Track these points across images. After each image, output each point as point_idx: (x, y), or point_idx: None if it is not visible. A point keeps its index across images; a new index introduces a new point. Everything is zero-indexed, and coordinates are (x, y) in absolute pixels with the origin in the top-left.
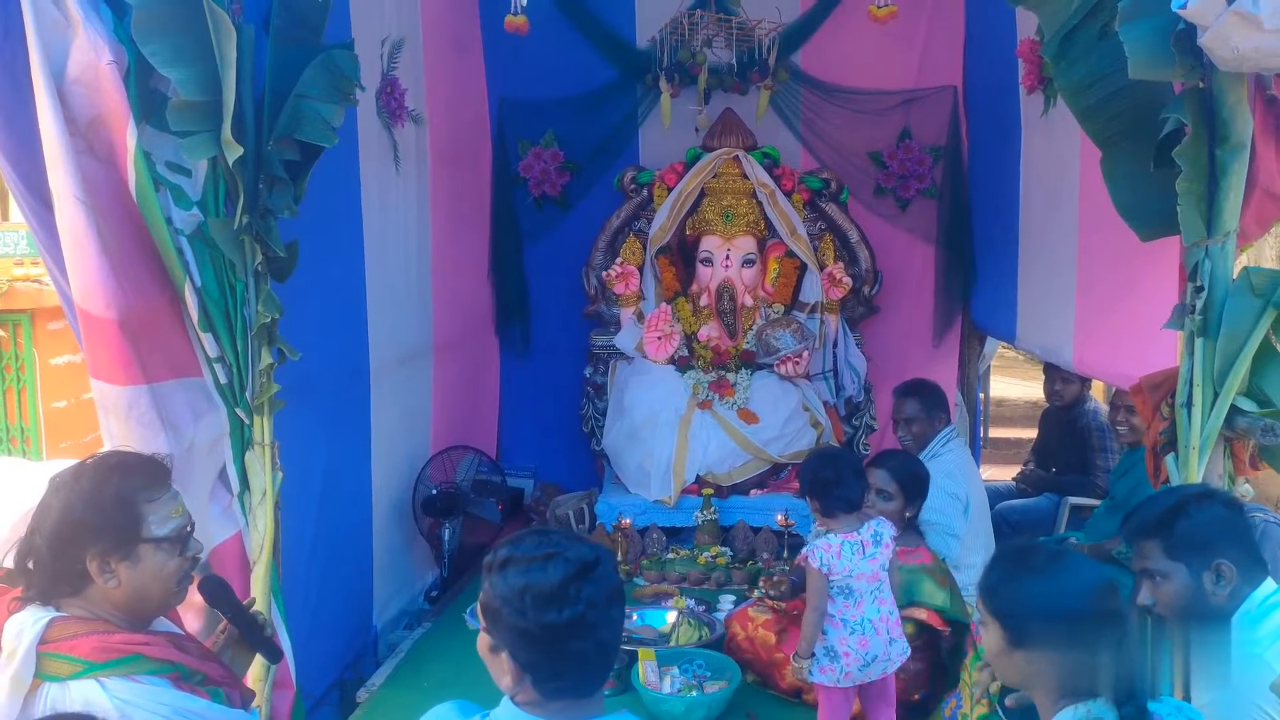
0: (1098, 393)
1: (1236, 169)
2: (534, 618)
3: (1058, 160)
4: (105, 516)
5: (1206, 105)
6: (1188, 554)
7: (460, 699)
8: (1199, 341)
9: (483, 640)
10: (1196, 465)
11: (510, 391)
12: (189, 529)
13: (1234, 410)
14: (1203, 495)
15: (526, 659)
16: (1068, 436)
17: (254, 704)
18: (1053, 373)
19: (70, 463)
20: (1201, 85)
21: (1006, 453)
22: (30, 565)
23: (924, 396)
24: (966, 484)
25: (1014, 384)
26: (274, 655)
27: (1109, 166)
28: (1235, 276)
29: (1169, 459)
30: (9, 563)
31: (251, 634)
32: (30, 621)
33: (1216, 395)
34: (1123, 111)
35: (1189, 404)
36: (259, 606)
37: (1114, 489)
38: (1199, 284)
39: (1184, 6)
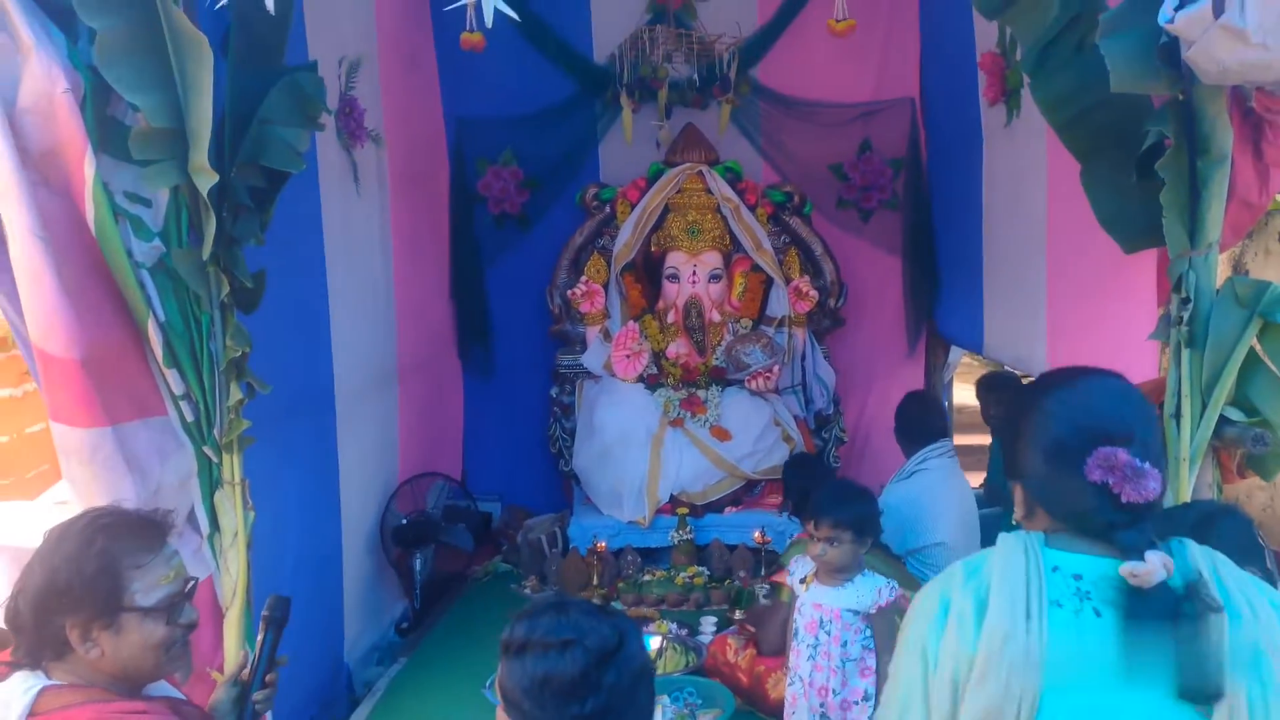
0: None
1: (1218, 180)
2: (554, 712)
3: (1022, 171)
4: (84, 584)
5: (1187, 118)
6: None
7: None
8: (1186, 353)
9: None
10: (1187, 476)
11: (474, 414)
12: (185, 593)
13: (1222, 420)
14: (1226, 510)
15: None
16: None
17: None
18: (986, 396)
19: (63, 516)
20: (1181, 98)
21: (967, 459)
22: (17, 626)
23: (897, 424)
24: (929, 508)
25: (973, 390)
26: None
27: (1089, 179)
28: (1219, 286)
29: None
30: None
31: (256, 685)
32: (20, 691)
33: (1205, 406)
34: (1102, 124)
35: (1178, 415)
36: (232, 652)
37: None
38: (1185, 295)
39: (1170, 21)
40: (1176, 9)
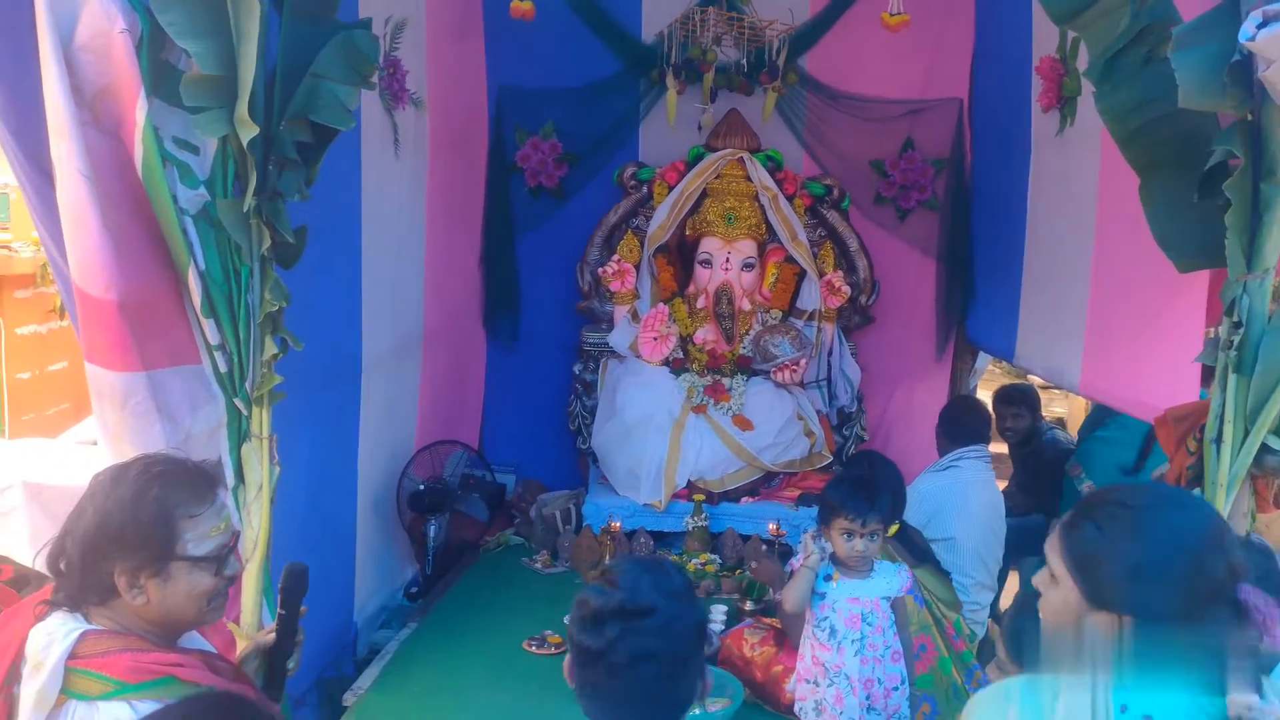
0: (1077, 418)
1: None
2: (576, 633)
3: (1072, 182)
4: (139, 531)
5: (1254, 138)
6: None
7: (450, 705)
8: (1233, 377)
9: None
10: (1224, 502)
11: (495, 385)
12: (230, 545)
13: (1264, 448)
14: (1244, 543)
15: (578, 679)
16: (1037, 467)
17: None
18: (1002, 409)
19: (113, 461)
20: (1250, 118)
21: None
22: (61, 567)
23: (939, 424)
24: (953, 503)
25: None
26: (277, 690)
27: (1148, 195)
28: (1271, 312)
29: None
30: (41, 562)
31: (279, 655)
32: (61, 634)
33: (1247, 432)
34: (1165, 139)
35: (1219, 440)
36: (249, 606)
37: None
38: (1237, 320)
39: (1252, 39)
40: (1259, 27)
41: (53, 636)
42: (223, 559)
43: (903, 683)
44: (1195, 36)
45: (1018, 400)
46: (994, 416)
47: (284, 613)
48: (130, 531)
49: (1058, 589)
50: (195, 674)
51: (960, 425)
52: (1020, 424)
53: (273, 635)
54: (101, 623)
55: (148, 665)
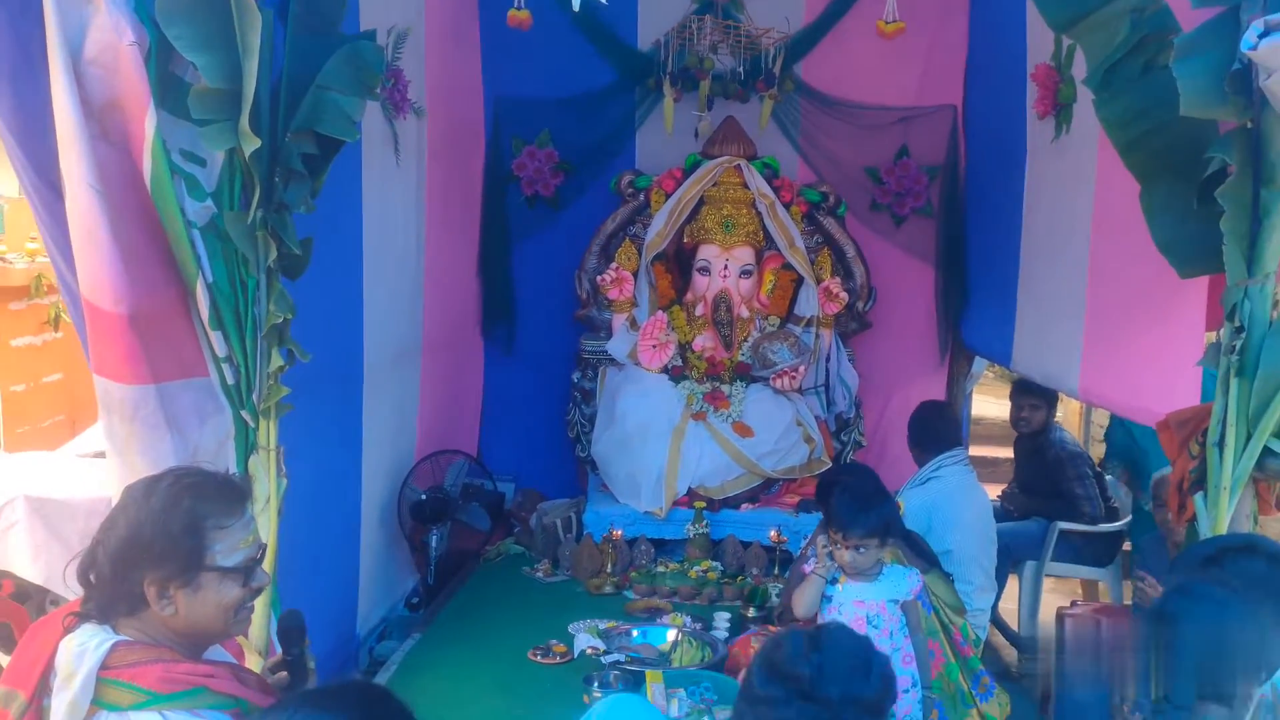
0: (1072, 422)
1: None
2: (756, 663)
3: (1068, 188)
4: (170, 541)
5: (1254, 145)
6: None
7: (457, 716)
8: (1235, 381)
9: None
10: (1226, 505)
11: (493, 394)
12: (258, 558)
13: (1266, 451)
14: (1245, 547)
15: (739, 695)
16: (1039, 465)
17: None
18: (1019, 399)
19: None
20: (1250, 125)
21: (983, 471)
22: (91, 579)
23: (909, 433)
24: (943, 514)
25: (989, 402)
26: None
27: (1149, 201)
28: (1273, 317)
29: (1197, 498)
30: (72, 571)
31: (296, 688)
32: (92, 645)
33: (1249, 436)
34: (1165, 147)
35: (1221, 443)
36: (258, 619)
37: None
38: (1238, 324)
39: (1254, 48)
40: (1261, 36)
41: (84, 648)
42: (250, 570)
43: (914, 685)
44: (1196, 46)
45: (1036, 391)
46: (1011, 406)
47: (288, 658)
48: (161, 542)
49: None
50: (226, 685)
51: (933, 432)
52: (1036, 416)
53: (285, 675)
54: (130, 634)
55: (179, 675)
